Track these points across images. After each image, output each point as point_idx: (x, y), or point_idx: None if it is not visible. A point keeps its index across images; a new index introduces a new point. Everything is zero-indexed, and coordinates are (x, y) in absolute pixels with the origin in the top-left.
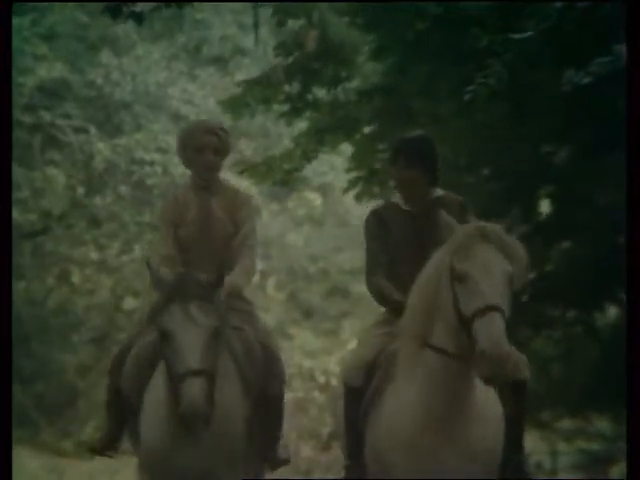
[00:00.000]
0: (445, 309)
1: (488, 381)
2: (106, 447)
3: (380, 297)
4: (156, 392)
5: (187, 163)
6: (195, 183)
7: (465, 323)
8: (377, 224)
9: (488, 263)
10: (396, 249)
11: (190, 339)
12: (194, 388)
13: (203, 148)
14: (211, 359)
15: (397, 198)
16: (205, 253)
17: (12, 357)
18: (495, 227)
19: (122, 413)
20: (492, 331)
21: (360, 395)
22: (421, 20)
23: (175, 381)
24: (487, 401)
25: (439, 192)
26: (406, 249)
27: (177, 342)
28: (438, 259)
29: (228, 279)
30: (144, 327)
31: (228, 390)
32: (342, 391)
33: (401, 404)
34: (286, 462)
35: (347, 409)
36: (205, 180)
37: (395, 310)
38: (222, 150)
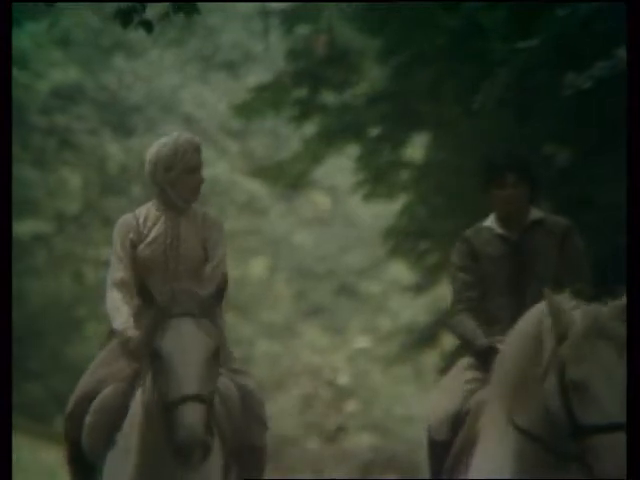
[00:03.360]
0: (543, 397)
1: None
2: None
3: (463, 340)
4: (124, 451)
5: (169, 185)
6: (164, 203)
7: (577, 428)
8: (466, 253)
9: (609, 369)
10: (486, 281)
11: (189, 363)
12: (193, 414)
13: (195, 168)
14: (210, 383)
15: (491, 221)
16: (169, 275)
17: (12, 357)
18: (616, 324)
19: (85, 470)
20: (620, 458)
21: (445, 448)
22: (428, 26)
23: (168, 409)
24: None
25: (538, 214)
26: (498, 280)
27: (172, 365)
28: (543, 343)
29: None
30: (108, 372)
31: None
32: (427, 443)
33: (488, 473)
34: None
35: (432, 462)
36: (188, 202)
37: (478, 355)
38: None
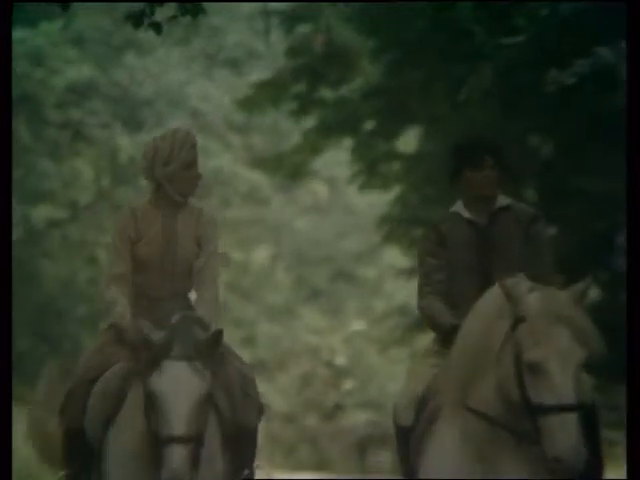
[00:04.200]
0: (498, 378)
1: (553, 474)
2: None
3: (431, 321)
4: (125, 428)
5: (166, 180)
6: (160, 198)
7: (531, 407)
8: (435, 240)
9: (564, 352)
10: (454, 265)
11: (179, 405)
12: (177, 456)
13: (192, 164)
14: (199, 425)
15: (458, 206)
16: (166, 274)
17: (11, 358)
18: (574, 309)
19: (85, 457)
20: (571, 439)
21: (410, 433)
22: (419, 25)
23: (159, 444)
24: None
25: (505, 200)
26: (466, 264)
27: (164, 405)
28: (499, 324)
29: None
30: (105, 360)
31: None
32: (394, 429)
33: (441, 457)
34: None
35: (399, 447)
36: (185, 197)
37: (447, 336)
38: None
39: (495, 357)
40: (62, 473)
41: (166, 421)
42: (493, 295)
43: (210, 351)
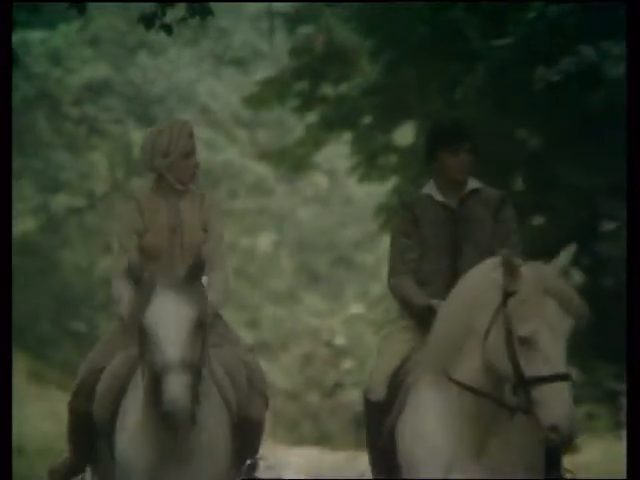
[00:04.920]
0: (485, 351)
1: (549, 442)
2: (68, 476)
3: (402, 300)
4: (133, 409)
5: (166, 170)
6: (162, 187)
7: (524, 380)
8: (408, 219)
9: (554, 325)
10: (425, 245)
11: (171, 332)
12: (176, 382)
13: (190, 153)
14: (194, 352)
15: (430, 188)
16: (175, 261)
17: (11, 359)
18: (559, 281)
19: (89, 439)
20: (566, 407)
21: (381, 409)
22: (415, 27)
23: (156, 379)
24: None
25: (476, 183)
26: (437, 244)
27: (158, 337)
28: (487, 299)
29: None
30: (112, 350)
31: (209, 411)
32: (364, 405)
33: (421, 431)
34: None
35: (369, 423)
36: (185, 185)
37: (418, 315)
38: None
39: (483, 332)
40: (65, 458)
41: (160, 351)
42: (479, 271)
43: (192, 280)
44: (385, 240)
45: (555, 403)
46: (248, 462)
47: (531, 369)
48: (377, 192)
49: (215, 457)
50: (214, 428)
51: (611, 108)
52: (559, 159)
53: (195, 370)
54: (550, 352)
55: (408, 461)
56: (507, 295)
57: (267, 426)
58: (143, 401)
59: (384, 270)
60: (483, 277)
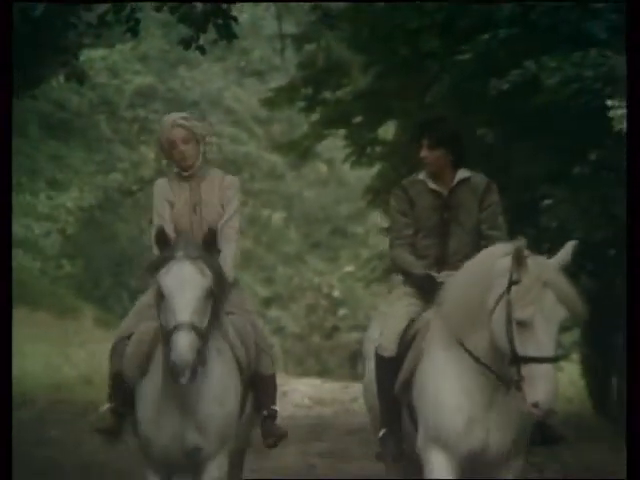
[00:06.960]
0: (491, 332)
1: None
2: (109, 429)
3: (403, 269)
4: (155, 370)
5: (168, 159)
6: (178, 173)
7: (517, 357)
8: (404, 199)
9: (549, 313)
10: (419, 224)
11: (183, 298)
12: (183, 340)
13: (174, 142)
14: (203, 317)
15: (423, 175)
16: (195, 235)
17: (12, 359)
18: (559, 275)
19: (124, 397)
20: (548, 387)
21: (393, 365)
22: (396, 47)
23: (167, 337)
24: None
25: (465, 173)
26: (428, 226)
27: (171, 299)
28: (497, 283)
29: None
30: (144, 313)
31: (221, 368)
32: (375, 362)
33: (444, 386)
34: (283, 436)
35: (381, 379)
36: (186, 170)
37: (418, 283)
38: (192, 137)
39: (490, 313)
40: (106, 406)
41: (172, 312)
42: (491, 253)
43: (208, 249)
44: (372, 214)
45: (540, 382)
46: (265, 413)
47: (524, 349)
48: (366, 176)
49: (225, 405)
50: (225, 379)
51: (547, 110)
52: (510, 150)
53: (201, 333)
54: (542, 337)
55: (434, 412)
56: (512, 283)
57: (280, 362)
58: (162, 361)
59: (371, 238)
60: (495, 262)
